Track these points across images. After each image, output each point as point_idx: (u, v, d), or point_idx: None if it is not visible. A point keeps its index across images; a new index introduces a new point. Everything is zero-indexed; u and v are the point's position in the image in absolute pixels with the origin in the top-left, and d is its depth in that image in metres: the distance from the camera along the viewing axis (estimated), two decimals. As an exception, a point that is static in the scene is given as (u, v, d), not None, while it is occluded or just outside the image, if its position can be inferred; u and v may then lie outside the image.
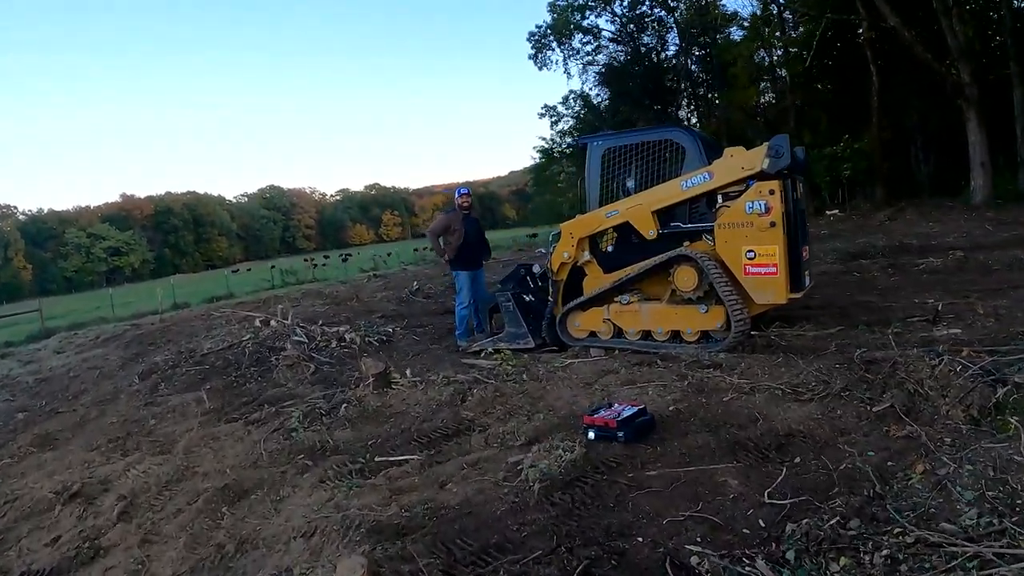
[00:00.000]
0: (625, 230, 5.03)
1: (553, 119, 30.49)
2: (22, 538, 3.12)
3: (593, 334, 5.14)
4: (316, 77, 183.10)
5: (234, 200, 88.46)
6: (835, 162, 17.75)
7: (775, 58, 23.71)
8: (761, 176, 4.47)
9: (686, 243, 4.80)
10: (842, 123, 19.24)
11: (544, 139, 31.82)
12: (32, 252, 63.59)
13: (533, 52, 28.48)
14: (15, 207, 71.62)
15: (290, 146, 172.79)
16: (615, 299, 5.00)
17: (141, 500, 3.22)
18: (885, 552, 2.02)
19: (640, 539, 2.19)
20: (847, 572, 1.92)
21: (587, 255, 5.16)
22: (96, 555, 2.79)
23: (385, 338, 6.47)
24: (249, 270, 35.59)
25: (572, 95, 30.14)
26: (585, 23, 27.85)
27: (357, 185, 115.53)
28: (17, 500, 3.56)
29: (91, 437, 4.62)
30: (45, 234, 66.69)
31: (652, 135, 5.10)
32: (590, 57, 28.99)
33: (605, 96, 29.37)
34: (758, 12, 23.33)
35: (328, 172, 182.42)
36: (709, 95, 28.68)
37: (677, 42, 28.01)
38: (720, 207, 4.64)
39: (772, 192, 4.41)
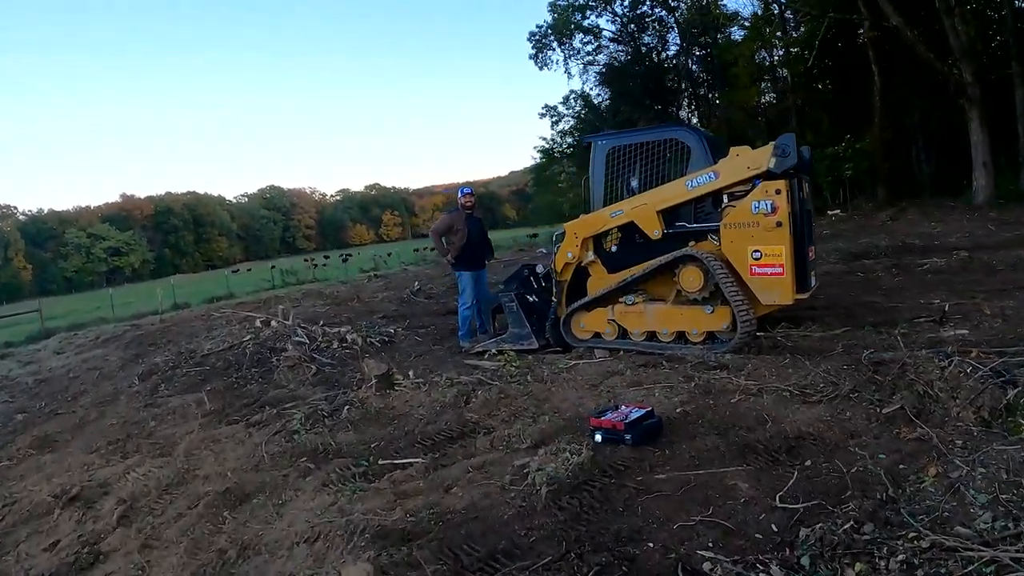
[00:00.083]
0: (629, 230, 4.98)
1: (554, 119, 30.50)
2: (20, 543, 3.07)
3: (597, 335, 5.09)
4: (316, 77, 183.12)
5: (234, 200, 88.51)
6: (836, 162, 17.71)
7: (776, 58, 23.69)
8: (767, 175, 4.43)
9: (691, 243, 4.76)
10: (843, 123, 19.20)
11: (545, 139, 31.85)
12: (32, 252, 63.56)
13: (534, 52, 28.49)
14: (15, 207, 71.74)
15: (290, 146, 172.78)
16: (620, 299, 4.96)
17: (141, 504, 3.17)
18: (901, 557, 1.99)
19: (651, 544, 2.15)
20: (863, 578, 1.88)
21: (591, 255, 5.11)
22: (96, 560, 2.74)
23: (387, 339, 6.43)
24: (249, 270, 35.54)
25: (573, 95, 30.15)
26: (586, 23, 27.86)
27: (357, 185, 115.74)
28: (16, 503, 3.52)
29: (90, 439, 4.57)
30: (45, 234, 66.66)
31: (657, 134, 5.06)
32: (591, 57, 29.00)
33: (606, 96, 29.35)
34: (759, 12, 23.33)
35: (328, 172, 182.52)
36: (710, 95, 28.66)
37: (678, 42, 28.01)
38: (726, 207, 4.60)
39: (778, 192, 4.37)
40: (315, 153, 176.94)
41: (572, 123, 30.23)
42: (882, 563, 1.97)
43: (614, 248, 5.10)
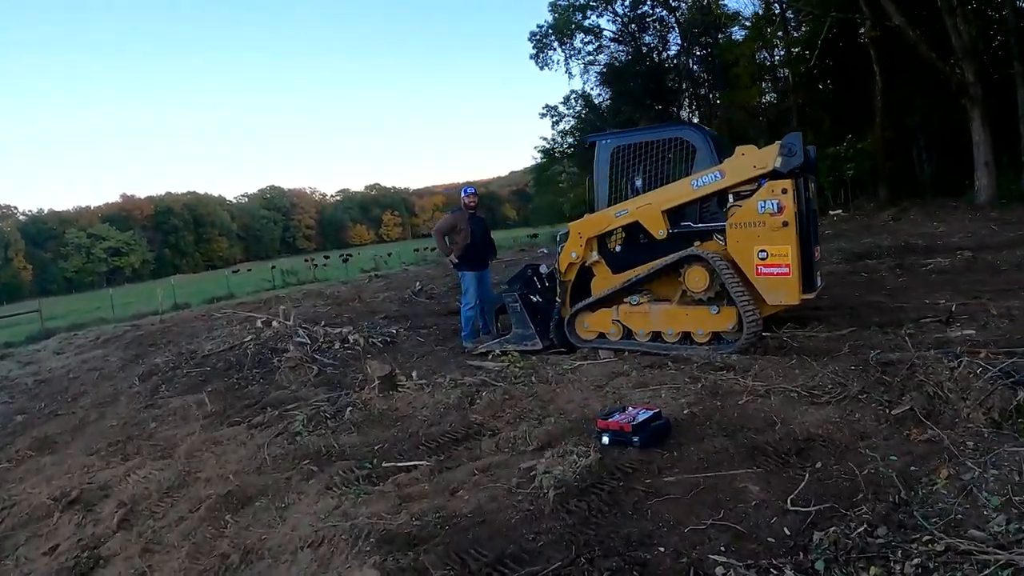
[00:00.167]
0: (634, 230, 4.95)
1: (554, 119, 30.52)
2: (19, 546, 3.03)
3: (602, 335, 5.05)
4: (316, 77, 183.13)
5: (234, 200, 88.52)
6: (838, 162, 17.68)
7: (777, 58, 23.67)
8: (773, 175, 4.39)
9: (697, 243, 4.72)
10: (844, 123, 19.18)
11: (545, 139, 31.85)
12: (32, 252, 63.55)
13: (534, 52, 28.51)
14: (15, 207, 71.72)
15: (290, 146, 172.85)
16: (624, 300, 4.92)
17: (142, 507, 3.13)
18: (916, 561, 1.97)
19: (662, 549, 2.12)
20: (879, 582, 1.85)
21: (595, 255, 5.08)
22: (96, 565, 2.70)
23: (389, 339, 6.39)
24: (249, 270, 35.50)
25: (573, 95, 30.19)
26: (586, 23, 27.89)
27: (357, 185, 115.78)
28: (15, 506, 3.48)
29: (90, 440, 4.54)
30: (45, 234, 66.65)
31: (662, 133, 5.02)
32: (591, 57, 29.03)
33: (607, 96, 29.36)
34: (760, 12, 23.30)
35: (328, 172, 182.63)
36: (710, 95, 28.65)
37: (679, 42, 28.01)
38: (731, 206, 4.56)
39: (785, 191, 4.33)
40: (315, 153, 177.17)
41: (573, 123, 30.28)
42: (897, 567, 1.95)
43: (618, 248, 5.06)
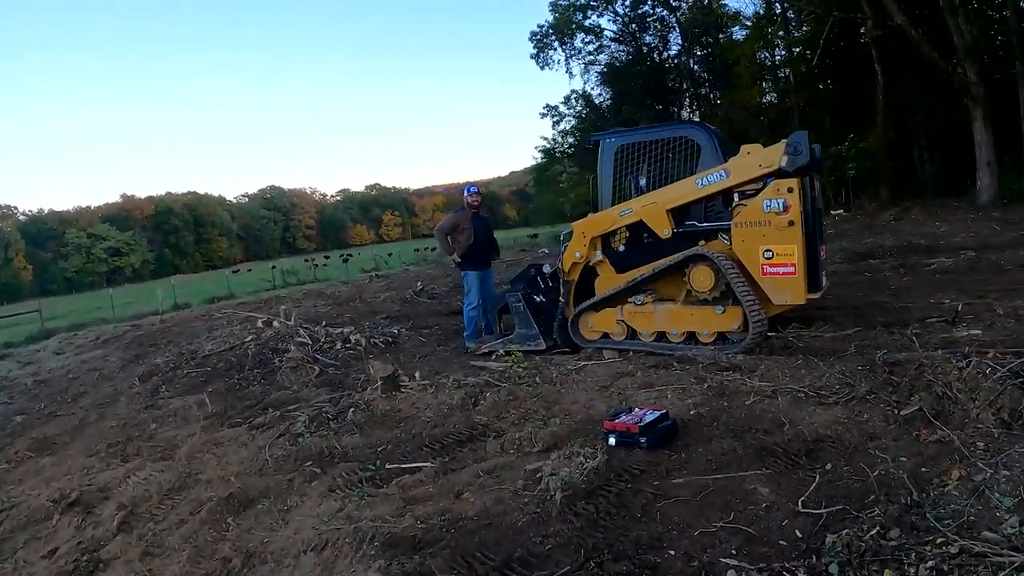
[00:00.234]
0: (638, 229, 4.91)
1: (555, 119, 30.48)
2: (18, 549, 2.99)
3: (606, 335, 5.02)
4: (316, 77, 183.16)
5: (234, 200, 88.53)
6: (839, 161, 17.65)
7: (778, 58, 23.65)
8: (779, 174, 4.36)
9: (701, 242, 4.69)
10: (845, 122, 19.16)
11: (546, 139, 31.80)
12: (32, 252, 63.55)
13: (535, 52, 28.50)
14: (15, 207, 71.72)
15: (290, 146, 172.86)
16: (629, 300, 4.88)
17: (142, 509, 3.09)
18: (930, 563, 1.94)
19: (672, 552, 2.08)
20: (893, 585, 1.82)
21: (599, 255, 5.04)
22: (96, 568, 2.66)
23: (391, 339, 6.36)
24: (250, 270, 35.48)
25: (574, 95, 30.14)
26: (587, 23, 27.88)
27: (357, 185, 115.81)
28: (14, 508, 3.44)
29: (90, 442, 4.50)
30: (45, 234, 66.64)
31: (666, 132, 4.99)
32: (592, 57, 29.01)
33: (607, 96, 29.34)
34: (761, 12, 23.28)
35: (328, 172, 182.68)
36: (711, 95, 28.63)
37: (679, 42, 27.99)
38: (736, 205, 4.53)
39: (791, 190, 4.30)
40: (315, 153, 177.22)
41: (573, 123, 30.24)
42: (911, 570, 1.92)
43: (622, 247, 5.03)
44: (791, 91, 21.92)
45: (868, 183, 18.83)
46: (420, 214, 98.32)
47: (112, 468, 3.84)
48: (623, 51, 28.90)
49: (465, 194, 6.04)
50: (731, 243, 4.52)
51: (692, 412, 3.24)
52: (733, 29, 26.11)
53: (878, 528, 2.11)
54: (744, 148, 4.58)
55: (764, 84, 24.87)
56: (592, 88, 29.98)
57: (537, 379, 4.14)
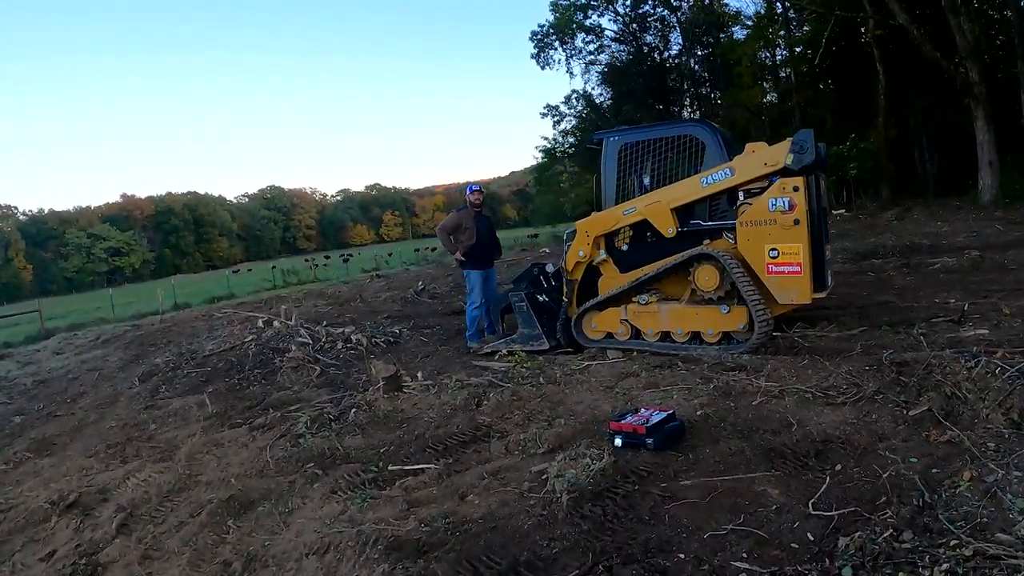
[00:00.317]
0: (642, 228, 4.87)
1: (555, 119, 30.43)
2: (16, 552, 2.95)
3: (610, 335, 4.98)
4: (316, 77, 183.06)
5: (235, 200, 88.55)
6: (841, 161, 17.62)
7: (779, 58, 23.62)
8: (784, 172, 4.32)
9: (706, 241, 4.65)
10: (846, 122, 19.12)
11: (546, 139, 31.75)
12: (32, 252, 63.55)
13: (535, 51, 28.47)
14: (15, 207, 71.70)
15: (290, 146, 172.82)
16: (633, 299, 4.84)
17: (141, 511, 3.05)
18: (945, 566, 1.91)
19: (682, 555, 2.04)
20: (907, 589, 1.79)
21: (603, 254, 5.00)
22: (94, 572, 2.62)
23: (392, 339, 6.32)
24: (250, 270, 35.44)
25: (575, 94, 30.09)
26: (588, 22, 27.84)
27: (357, 185, 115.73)
28: (12, 510, 3.40)
29: (89, 442, 4.46)
30: (45, 234, 66.64)
31: (671, 130, 4.95)
32: (593, 56, 28.99)
33: (608, 96, 29.29)
34: (762, 11, 23.25)
35: (328, 172, 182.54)
36: (712, 95, 28.59)
37: (680, 41, 27.95)
38: (741, 204, 4.49)
39: (796, 189, 4.25)
40: (315, 153, 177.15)
41: (574, 123, 30.18)
42: (926, 573, 1.89)
43: (626, 247, 4.99)
44: (792, 91, 21.88)
45: (869, 183, 18.79)
46: (420, 214, 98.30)
47: (111, 469, 3.80)
48: (624, 51, 28.89)
49: (467, 192, 6.00)
50: (736, 242, 4.47)
51: (698, 413, 3.21)
52: (734, 29, 26.09)
53: (891, 530, 2.08)
54: (749, 146, 4.54)
55: (765, 84, 24.83)
56: (593, 88, 30.01)
57: (541, 379, 4.10)
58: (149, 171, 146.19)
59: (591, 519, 2.29)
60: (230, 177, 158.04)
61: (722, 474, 2.56)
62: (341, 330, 6.44)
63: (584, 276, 5.10)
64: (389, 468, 3.07)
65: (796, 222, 4.25)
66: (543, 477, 2.60)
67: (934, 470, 2.45)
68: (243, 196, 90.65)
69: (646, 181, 4.91)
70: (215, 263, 72.21)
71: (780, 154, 4.34)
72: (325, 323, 7.04)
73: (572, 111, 30.14)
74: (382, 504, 2.67)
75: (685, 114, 28.31)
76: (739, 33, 25.55)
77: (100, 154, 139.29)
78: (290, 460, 3.37)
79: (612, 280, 4.98)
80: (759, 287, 4.35)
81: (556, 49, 28.33)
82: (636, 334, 4.87)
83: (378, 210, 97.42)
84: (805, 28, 21.24)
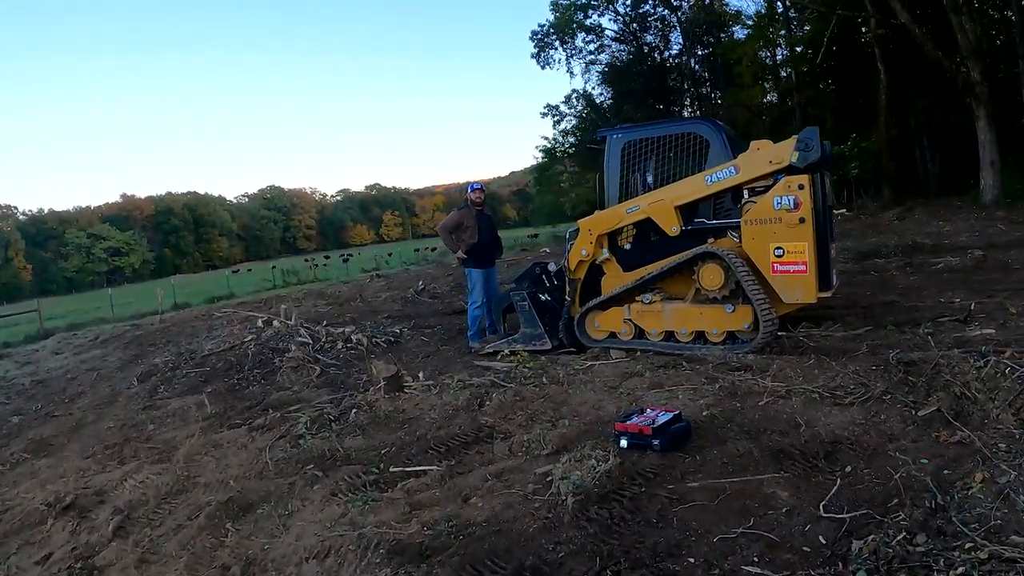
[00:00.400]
0: (645, 227, 4.82)
1: (556, 119, 30.39)
2: (11, 555, 2.90)
3: (613, 335, 4.92)
4: (316, 77, 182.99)
5: (234, 200, 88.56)
6: (842, 161, 17.58)
7: (780, 57, 23.58)
8: (790, 170, 4.27)
9: (711, 240, 4.60)
10: (847, 122, 19.09)
11: (547, 139, 31.70)
12: (32, 252, 63.53)
13: (536, 51, 28.46)
14: (15, 207, 71.67)
15: (290, 146, 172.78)
16: (636, 298, 4.80)
17: (139, 514, 3.00)
18: (960, 570, 1.88)
19: (692, 559, 2.00)
20: (922, 593, 1.75)
21: (606, 253, 4.95)
22: (90, 576, 2.57)
23: (393, 339, 6.27)
24: (250, 270, 35.41)
25: (575, 94, 30.06)
26: (588, 22, 27.82)
27: (357, 185, 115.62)
28: (7, 512, 3.35)
29: (87, 443, 4.42)
30: (45, 234, 66.64)
31: (675, 128, 4.90)
32: (593, 56, 28.98)
33: (608, 95, 29.26)
34: (762, 11, 23.22)
35: (328, 172, 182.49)
36: (712, 94, 28.56)
37: (680, 41, 27.93)
38: (746, 202, 4.44)
39: (801, 187, 4.21)
40: (315, 153, 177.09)
41: (574, 123, 30.15)
42: (941, 576, 1.84)
43: (629, 245, 4.94)
44: (793, 90, 21.86)
45: (870, 182, 18.76)
46: (420, 214, 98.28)
47: (109, 471, 3.75)
48: (624, 50, 28.88)
49: (468, 191, 5.95)
50: (741, 241, 4.43)
51: (704, 413, 3.16)
52: (735, 28, 26.06)
53: (904, 533, 2.05)
54: (754, 144, 4.50)
55: (765, 84, 24.80)
56: (593, 88, 29.98)
57: (544, 379, 4.05)
58: (149, 171, 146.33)
59: (597, 522, 2.24)
60: (230, 177, 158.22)
61: (730, 476, 2.51)
62: (341, 330, 6.39)
63: (587, 275, 5.06)
64: (390, 470, 3.02)
65: (801, 220, 4.20)
66: (548, 479, 2.56)
67: (945, 471, 2.42)
68: (243, 196, 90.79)
69: (649, 179, 4.86)
70: (215, 263, 72.18)
71: (785, 152, 4.29)
72: (325, 323, 6.99)
73: (572, 111, 30.15)
74: (383, 507, 2.62)
75: (686, 114, 28.28)
76: (740, 33, 25.55)
77: (100, 154, 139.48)
78: (290, 461, 3.32)
79: (615, 279, 4.93)
80: (764, 286, 4.30)
81: (556, 49, 28.35)
82: (640, 334, 4.82)
83: (378, 210, 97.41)
84: (806, 28, 21.21)
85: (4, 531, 3.16)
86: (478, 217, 5.76)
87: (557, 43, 28.15)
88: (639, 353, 4.63)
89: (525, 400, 3.68)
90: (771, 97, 25.22)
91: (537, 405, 3.58)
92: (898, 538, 2.01)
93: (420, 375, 4.53)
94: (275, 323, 6.87)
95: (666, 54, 28.71)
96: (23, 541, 3.01)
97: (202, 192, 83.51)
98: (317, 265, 26.10)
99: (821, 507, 2.24)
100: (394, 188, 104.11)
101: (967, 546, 1.92)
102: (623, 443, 2.79)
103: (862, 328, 4.66)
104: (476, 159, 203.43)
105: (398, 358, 5.39)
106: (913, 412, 2.94)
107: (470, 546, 2.20)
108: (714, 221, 4.69)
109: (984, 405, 2.91)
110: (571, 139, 30.07)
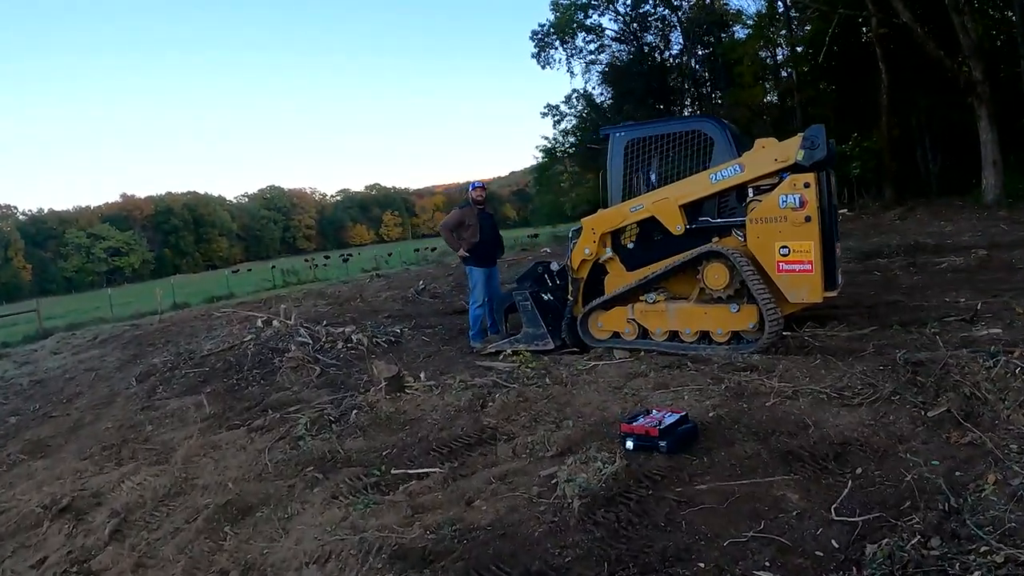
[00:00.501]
0: (649, 225, 4.77)
1: (556, 118, 30.35)
2: (6, 558, 2.85)
3: (616, 335, 4.88)
4: (316, 77, 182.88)
5: (234, 200, 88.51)
6: (843, 160, 17.54)
7: (780, 57, 23.54)
8: (795, 168, 4.23)
9: (715, 239, 4.56)
10: (848, 121, 19.05)
11: (547, 138, 31.66)
12: (32, 252, 63.48)
13: (536, 51, 28.42)
14: (15, 207, 71.63)
15: (290, 146, 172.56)
16: (640, 298, 4.75)
17: (136, 517, 2.95)
18: (976, 574, 1.84)
19: (702, 564, 1.95)
20: (939, 598, 1.71)
21: (609, 252, 4.90)
22: (86, 580, 2.52)
23: (393, 339, 6.22)
24: (249, 270, 35.38)
25: (575, 94, 30.02)
26: (588, 22, 27.78)
27: (357, 185, 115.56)
28: (3, 514, 3.30)
29: (84, 444, 4.37)
30: (45, 234, 66.61)
31: (679, 126, 4.85)
32: (593, 56, 28.93)
33: (608, 95, 29.22)
34: (763, 10, 23.17)
35: (328, 172, 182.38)
36: (713, 94, 28.52)
37: (681, 41, 27.90)
38: (751, 201, 4.40)
39: (807, 185, 4.16)
40: (315, 153, 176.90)
41: (574, 122, 30.10)
42: (957, 581, 1.80)
43: (632, 244, 4.89)
44: (793, 90, 21.82)
45: (871, 182, 18.72)
46: (420, 214, 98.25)
47: (106, 472, 3.70)
48: (624, 50, 28.84)
49: (470, 189, 5.90)
50: (746, 240, 4.38)
51: (711, 414, 3.12)
52: (735, 28, 26.00)
53: (918, 537, 2.01)
54: (759, 142, 4.45)
55: (766, 84, 24.75)
56: (593, 87, 29.92)
57: (547, 380, 4.00)
58: (149, 171, 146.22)
59: (604, 526, 2.19)
60: (230, 177, 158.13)
61: (739, 478, 2.47)
62: (341, 330, 6.34)
63: (590, 274, 5.00)
64: (392, 472, 2.98)
65: (807, 219, 4.16)
66: (553, 482, 2.51)
67: (957, 473, 2.38)
68: (243, 196, 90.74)
69: (653, 177, 4.82)
70: (215, 263, 72.13)
71: (791, 150, 4.25)
72: (325, 323, 6.94)
73: (572, 111, 30.10)
74: (385, 510, 2.57)
75: (686, 113, 28.25)
76: (740, 32, 25.49)
77: (100, 154, 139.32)
78: (289, 463, 3.27)
79: (619, 278, 4.88)
80: (769, 286, 4.26)
81: (557, 48, 28.32)
82: (643, 334, 4.78)
83: (378, 210, 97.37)
84: (807, 28, 21.17)
85: (0, 533, 3.11)
86: (480, 216, 5.71)
87: (557, 43, 28.14)
88: (643, 353, 4.58)
89: (528, 401, 3.63)
90: (772, 97, 25.17)
91: (540, 406, 3.53)
92: (912, 542, 1.98)
93: (421, 375, 4.48)
94: (275, 323, 6.82)
95: (666, 54, 28.70)
96: (18, 544, 2.96)
97: (202, 192, 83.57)
98: (317, 265, 26.07)
99: (832, 510, 2.20)
100: (394, 188, 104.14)
101: (982, 549, 1.89)
102: (629, 445, 2.74)
103: (867, 328, 4.62)
104: (476, 159, 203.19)
105: (399, 358, 5.34)
106: (923, 413, 2.90)
107: (474, 551, 2.15)
108: (719, 220, 4.65)
109: (995, 406, 2.88)
110: (571, 139, 30.04)
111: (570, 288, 5.05)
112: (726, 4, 26.31)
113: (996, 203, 13.80)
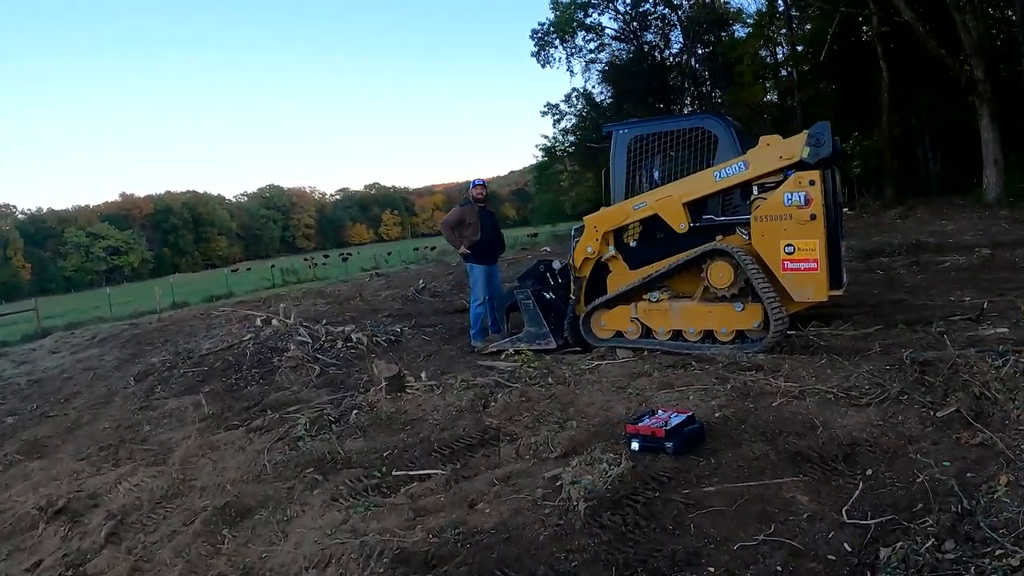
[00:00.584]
0: (652, 223, 4.73)
1: (556, 118, 30.28)
2: (1, 561, 2.80)
3: (619, 334, 4.83)
4: (316, 77, 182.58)
5: (234, 199, 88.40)
6: (844, 159, 17.50)
7: (781, 56, 23.49)
8: (800, 166, 4.18)
9: (719, 237, 4.51)
10: (848, 120, 19.00)
11: (547, 137, 31.60)
12: (31, 251, 63.39)
13: (536, 50, 28.35)
14: (14, 206, 71.48)
15: (290, 146, 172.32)
16: (643, 297, 4.70)
17: (132, 519, 2.90)
18: None
19: (712, 569, 1.91)
20: (955, 602, 1.67)
21: (612, 250, 4.85)
22: (81, 584, 2.47)
23: (393, 338, 6.17)
24: (249, 269, 35.28)
25: (575, 93, 29.95)
26: (588, 21, 27.72)
27: (357, 184, 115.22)
28: (-2, 516, 3.25)
29: (81, 444, 4.32)
30: (44, 233, 66.50)
31: (682, 123, 4.80)
32: (593, 55, 28.87)
33: (608, 94, 29.17)
34: (763, 9, 23.12)
35: (328, 171, 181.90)
36: (713, 93, 28.47)
37: (681, 40, 27.84)
38: (756, 199, 4.35)
39: (812, 183, 4.12)
40: (315, 153, 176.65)
41: (574, 121, 30.04)
42: (973, 584, 1.76)
43: (635, 243, 4.84)
44: (794, 89, 21.77)
45: (872, 181, 18.68)
46: (420, 213, 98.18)
47: (103, 473, 3.65)
48: (624, 49, 28.77)
49: (470, 187, 5.85)
50: (750, 238, 4.34)
51: (717, 414, 3.07)
52: (735, 27, 25.94)
53: (932, 540, 1.97)
54: (764, 139, 4.41)
55: (767, 82, 24.69)
56: (593, 86, 29.86)
57: (550, 379, 3.95)
58: (148, 170, 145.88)
59: (611, 529, 2.14)
60: (229, 176, 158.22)
61: (747, 480, 2.42)
62: (341, 329, 6.29)
63: (592, 273, 4.96)
64: (393, 473, 2.92)
65: (812, 217, 4.11)
66: (557, 483, 2.46)
67: (969, 474, 2.34)
68: (242, 195, 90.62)
69: (656, 175, 4.77)
70: (214, 262, 71.99)
71: (796, 147, 4.20)
72: (325, 322, 6.89)
73: (572, 110, 30.04)
74: (386, 512, 2.52)
75: (686, 112, 28.20)
76: (740, 31, 25.43)
77: (99, 154, 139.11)
78: (289, 464, 3.22)
79: (621, 277, 4.84)
80: (774, 284, 4.21)
81: (556, 47, 28.26)
82: (647, 333, 4.73)
83: (377, 209, 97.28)
84: (807, 26, 21.12)
85: (-6, 536, 3.06)
86: (480, 213, 5.66)
87: (557, 42, 28.08)
88: (646, 352, 4.53)
89: (531, 401, 3.58)
90: (772, 96, 25.12)
91: (543, 406, 3.48)
92: (927, 545, 1.94)
93: (422, 375, 4.43)
94: (274, 322, 6.77)
95: (666, 53, 28.64)
96: (13, 547, 2.91)
97: (201, 191, 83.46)
98: (316, 264, 26.00)
99: (844, 512, 2.16)
100: (393, 187, 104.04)
101: (997, 552, 1.85)
102: (634, 446, 2.69)
103: (873, 327, 4.58)
104: (476, 159, 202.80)
105: (399, 357, 5.29)
106: (932, 413, 2.87)
107: (478, 555, 2.10)
108: (723, 218, 4.60)
109: (1004, 406, 2.85)
110: (571, 138, 29.98)
111: (572, 287, 5.00)
112: (726, 3, 26.28)
113: (997, 202, 13.78)
